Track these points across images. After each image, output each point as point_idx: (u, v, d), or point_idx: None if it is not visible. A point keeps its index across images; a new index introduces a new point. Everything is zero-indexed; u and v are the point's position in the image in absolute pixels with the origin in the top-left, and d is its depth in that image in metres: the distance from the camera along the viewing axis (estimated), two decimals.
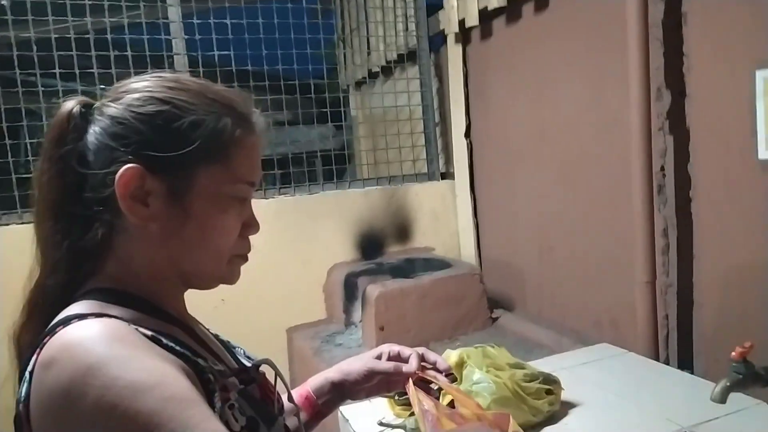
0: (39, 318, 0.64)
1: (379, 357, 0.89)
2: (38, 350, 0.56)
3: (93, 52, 2.07)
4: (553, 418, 1.14)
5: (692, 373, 1.37)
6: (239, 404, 0.65)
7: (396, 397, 1.23)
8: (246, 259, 0.73)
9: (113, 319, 0.59)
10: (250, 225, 0.72)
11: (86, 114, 0.67)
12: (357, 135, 3.29)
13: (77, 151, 0.65)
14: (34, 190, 0.67)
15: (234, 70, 2.24)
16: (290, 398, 0.83)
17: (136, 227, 0.65)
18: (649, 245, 1.47)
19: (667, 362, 1.51)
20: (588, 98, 1.74)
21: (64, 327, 0.57)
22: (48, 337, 0.57)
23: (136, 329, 0.59)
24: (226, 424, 0.61)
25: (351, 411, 1.29)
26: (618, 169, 1.62)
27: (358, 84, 3.42)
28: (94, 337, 0.55)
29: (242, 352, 0.81)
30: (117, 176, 0.62)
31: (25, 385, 0.56)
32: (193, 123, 0.65)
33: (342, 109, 2.58)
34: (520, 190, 2.15)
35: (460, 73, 2.41)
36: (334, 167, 2.47)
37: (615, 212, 1.66)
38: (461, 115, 2.44)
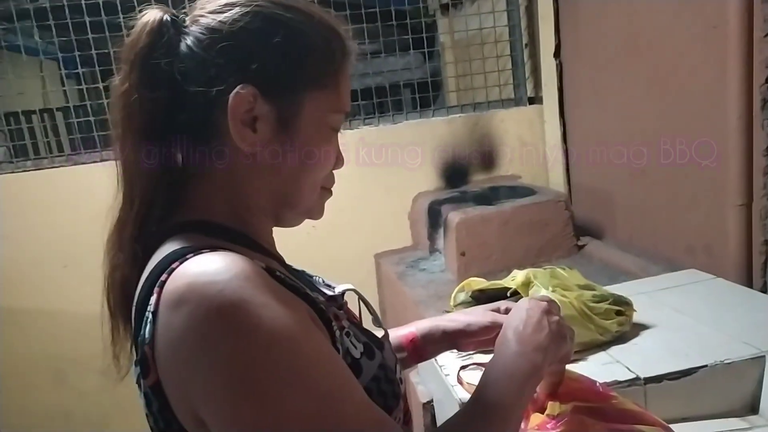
0: (128, 252, 0.61)
1: (495, 310, 0.83)
2: (156, 288, 0.53)
3: None
4: (622, 339, 1.13)
5: None
6: (352, 331, 0.63)
7: None
8: (331, 193, 0.70)
9: (231, 254, 0.54)
10: (339, 158, 0.68)
11: (178, 25, 0.61)
12: (444, 62, 3.22)
13: (174, 66, 0.59)
14: (115, 113, 0.61)
15: (316, 0, 2.25)
16: (378, 323, 0.77)
17: (236, 154, 0.60)
18: (746, 165, 1.35)
19: (763, 290, 1.41)
20: (684, 1, 1.58)
21: (180, 263, 0.53)
22: (165, 275, 0.53)
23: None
24: (347, 351, 0.59)
25: None
26: (713, 82, 1.48)
27: (445, 8, 3.31)
28: (222, 274, 0.51)
29: (321, 281, 0.74)
30: (231, 96, 0.57)
31: (149, 326, 0.52)
32: (307, 46, 0.61)
33: (426, 35, 2.52)
34: (610, 111, 2.02)
35: None
36: (417, 96, 2.45)
37: (710, 129, 1.53)
38: (550, 33, 2.30)
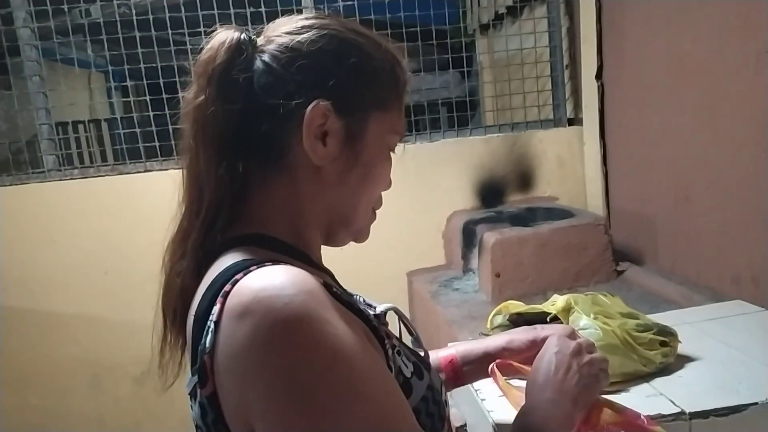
0: (191, 260, 0.62)
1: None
2: (220, 299, 0.53)
3: (231, 10, 2.23)
4: (666, 370, 1.09)
5: None
6: (402, 350, 0.63)
7: None
8: (376, 217, 0.72)
9: (295, 268, 0.55)
10: (389, 180, 0.71)
11: (254, 43, 0.64)
12: (482, 81, 3.21)
13: (252, 81, 0.62)
14: (187, 124, 0.63)
15: (357, 20, 2.29)
16: (419, 343, 0.76)
17: (302, 168, 0.63)
18: None
19: None
20: (736, 24, 1.54)
21: (245, 274, 0.54)
22: (229, 285, 0.53)
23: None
24: (399, 370, 0.60)
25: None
26: (766, 109, 1.43)
27: (484, 27, 3.32)
28: (287, 288, 0.51)
29: (362, 299, 0.73)
30: (309, 109, 0.60)
31: (210, 335, 0.53)
32: (377, 69, 0.65)
33: (465, 54, 2.53)
34: (654, 135, 1.98)
35: (593, 8, 2.24)
36: (455, 115, 2.45)
37: (760, 157, 1.48)
38: (592, 55, 2.28)
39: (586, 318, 1.13)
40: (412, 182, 2.31)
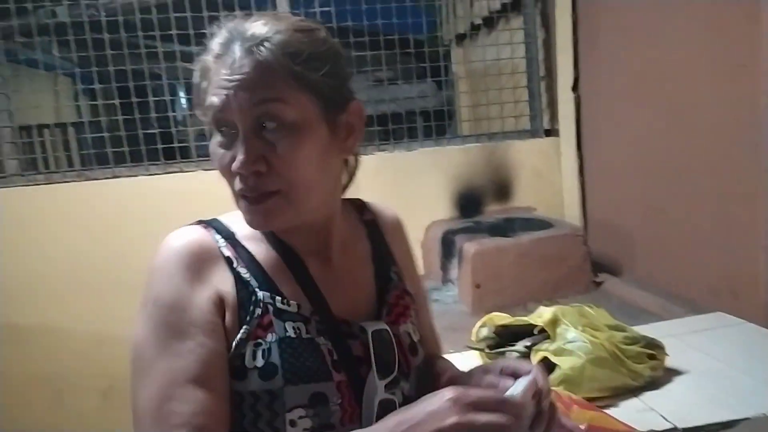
0: None
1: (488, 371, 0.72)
2: None
3: (205, 13, 2.17)
4: (654, 384, 1.09)
5: None
6: (274, 348, 0.66)
7: (485, 350, 1.23)
8: (247, 200, 0.67)
9: (203, 231, 0.70)
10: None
11: None
12: (458, 91, 3.22)
13: None
14: None
15: (335, 27, 2.26)
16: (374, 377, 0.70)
17: None
18: None
19: None
20: (709, 38, 1.57)
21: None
22: None
23: (219, 247, 0.69)
24: (242, 356, 0.66)
25: None
26: (742, 119, 1.45)
27: (460, 38, 3.33)
28: (170, 244, 0.68)
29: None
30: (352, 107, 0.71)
31: None
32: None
33: (442, 64, 2.52)
34: (629, 146, 2.00)
35: (569, 20, 2.27)
36: (433, 124, 2.44)
37: (735, 168, 1.50)
38: (569, 66, 2.30)
39: (574, 330, 1.12)
40: (390, 191, 2.26)
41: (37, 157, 2.26)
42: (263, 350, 0.66)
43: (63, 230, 2.09)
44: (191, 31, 2.15)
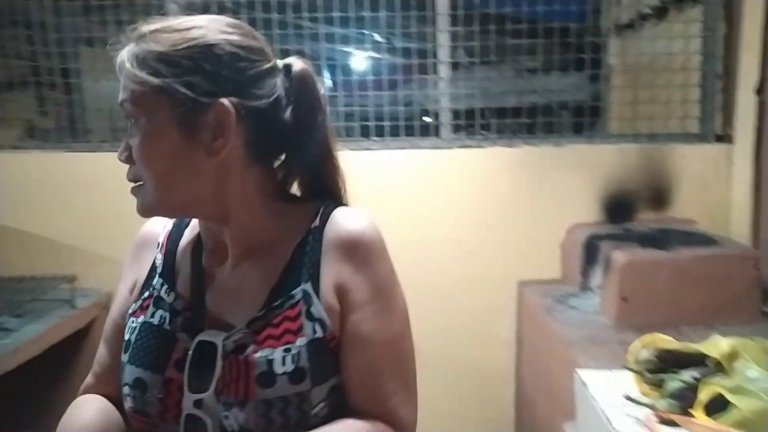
0: None
1: None
2: None
3: None
4: None
5: None
6: (137, 327, 0.78)
7: (645, 373, 1.12)
8: (135, 192, 0.76)
9: (161, 220, 0.86)
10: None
11: None
12: (612, 85, 2.99)
13: None
14: None
15: (493, 14, 2.19)
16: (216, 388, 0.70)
17: None
18: None
19: None
20: None
21: None
22: None
23: (159, 234, 0.84)
24: (125, 327, 0.80)
25: (590, 377, 1.22)
26: None
27: (620, 28, 3.08)
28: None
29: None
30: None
31: None
32: None
33: (596, 56, 2.34)
34: None
35: (760, 14, 2.00)
36: (584, 120, 2.29)
37: None
38: (754, 66, 2.04)
39: (757, 369, 0.98)
40: (530, 187, 2.18)
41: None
42: (131, 328, 0.79)
43: None
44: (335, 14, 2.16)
